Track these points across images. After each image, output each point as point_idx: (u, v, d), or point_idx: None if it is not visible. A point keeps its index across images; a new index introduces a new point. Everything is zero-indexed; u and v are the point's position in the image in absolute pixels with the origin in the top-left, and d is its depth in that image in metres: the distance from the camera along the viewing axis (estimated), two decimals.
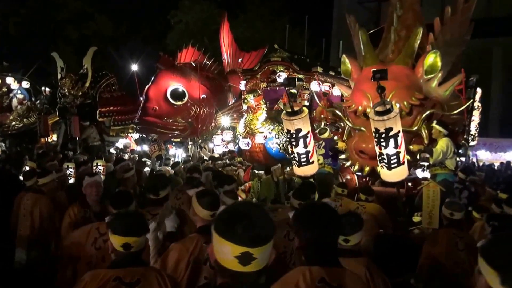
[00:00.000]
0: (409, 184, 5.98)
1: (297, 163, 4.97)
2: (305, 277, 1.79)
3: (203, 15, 23.40)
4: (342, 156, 5.71)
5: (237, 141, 9.42)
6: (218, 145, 10.23)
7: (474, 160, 14.31)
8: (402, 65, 5.31)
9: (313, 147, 5.01)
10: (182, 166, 7.93)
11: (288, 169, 7.98)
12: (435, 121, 5.38)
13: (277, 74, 9.14)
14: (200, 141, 11.41)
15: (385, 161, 4.45)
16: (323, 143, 6.55)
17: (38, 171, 4.82)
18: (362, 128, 5.18)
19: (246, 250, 1.26)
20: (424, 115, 5.17)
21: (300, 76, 9.23)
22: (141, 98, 10.40)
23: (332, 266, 1.85)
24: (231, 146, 10.22)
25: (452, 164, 5.63)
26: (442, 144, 5.34)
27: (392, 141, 4.31)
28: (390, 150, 4.36)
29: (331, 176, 6.39)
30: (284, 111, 4.88)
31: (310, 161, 4.91)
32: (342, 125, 6.23)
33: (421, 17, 6.26)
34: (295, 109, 4.74)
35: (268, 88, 10.17)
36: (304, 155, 4.89)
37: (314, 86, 9.03)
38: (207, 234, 2.30)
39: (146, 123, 9.87)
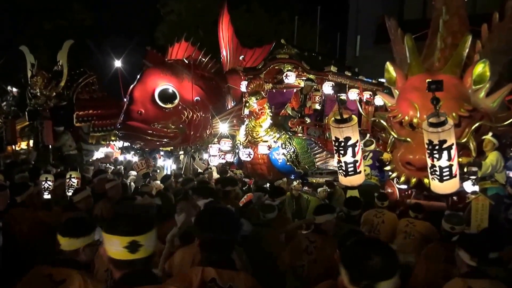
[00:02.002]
0: (454, 198, 6.46)
1: (344, 173, 5.47)
2: (197, 276, 2.25)
3: (198, 5, 23.64)
4: (388, 168, 6.30)
5: (236, 151, 9.49)
6: (215, 155, 10.23)
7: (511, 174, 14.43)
8: (450, 75, 5.77)
9: (361, 157, 5.56)
10: (173, 180, 7.98)
11: (295, 183, 8.07)
12: (490, 134, 5.94)
13: (284, 74, 9.21)
14: (192, 150, 11.47)
15: (437, 173, 4.93)
16: (371, 154, 7.48)
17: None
18: (408, 139, 5.64)
19: (132, 239, 1.75)
20: (473, 127, 5.61)
21: (311, 76, 9.35)
22: (125, 100, 10.46)
23: (225, 268, 2.28)
24: (229, 157, 10.25)
25: (502, 178, 6.30)
26: (492, 157, 5.97)
27: (445, 153, 4.79)
28: (443, 162, 4.84)
29: (377, 188, 7.13)
30: (333, 118, 5.37)
31: (358, 171, 5.43)
32: (384, 135, 6.86)
33: (467, 21, 6.76)
34: (345, 116, 5.21)
35: (274, 90, 10.30)
36: (351, 165, 5.39)
37: (327, 88, 9.14)
38: None
39: (130, 128, 9.83)
